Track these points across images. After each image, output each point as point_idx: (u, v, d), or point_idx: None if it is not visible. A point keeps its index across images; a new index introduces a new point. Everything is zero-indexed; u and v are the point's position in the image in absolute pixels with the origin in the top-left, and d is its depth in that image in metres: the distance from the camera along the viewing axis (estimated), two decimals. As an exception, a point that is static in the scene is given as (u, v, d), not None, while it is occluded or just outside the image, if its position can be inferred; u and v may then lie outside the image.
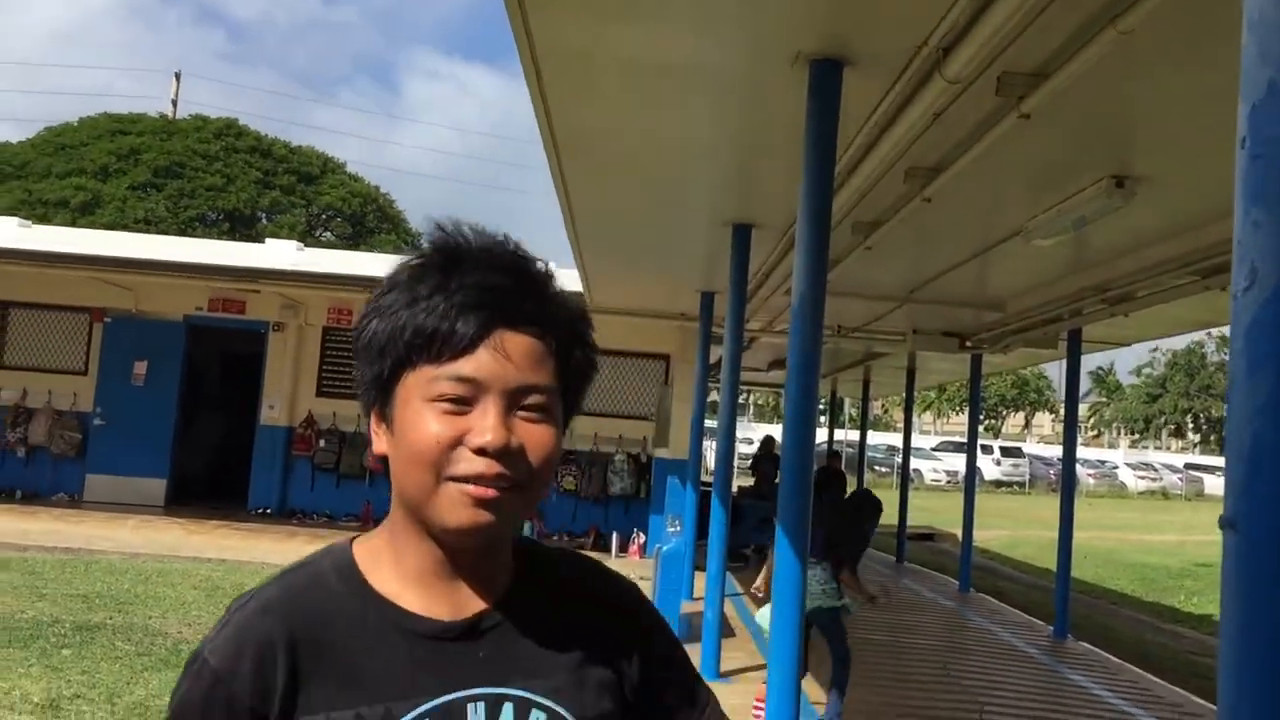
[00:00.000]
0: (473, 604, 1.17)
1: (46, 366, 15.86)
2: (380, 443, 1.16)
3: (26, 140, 44.03)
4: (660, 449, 14.85)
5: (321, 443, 15.63)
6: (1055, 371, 66.49)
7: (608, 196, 7.92)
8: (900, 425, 32.78)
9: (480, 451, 1.09)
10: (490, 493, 1.09)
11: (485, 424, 1.09)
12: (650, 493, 15.00)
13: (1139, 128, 5.65)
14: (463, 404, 1.10)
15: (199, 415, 16.61)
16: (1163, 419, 65.58)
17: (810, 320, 4.62)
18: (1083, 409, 69.79)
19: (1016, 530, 24.88)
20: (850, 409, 33.80)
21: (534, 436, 1.12)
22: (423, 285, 1.13)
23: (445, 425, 1.09)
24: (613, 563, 13.52)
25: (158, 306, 15.61)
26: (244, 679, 1.08)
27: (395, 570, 1.16)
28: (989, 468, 42.32)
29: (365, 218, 47.46)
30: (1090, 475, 43.88)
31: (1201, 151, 5.71)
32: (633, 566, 12.81)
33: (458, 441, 1.09)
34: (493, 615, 1.17)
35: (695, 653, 7.72)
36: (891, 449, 39.22)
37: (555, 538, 15.20)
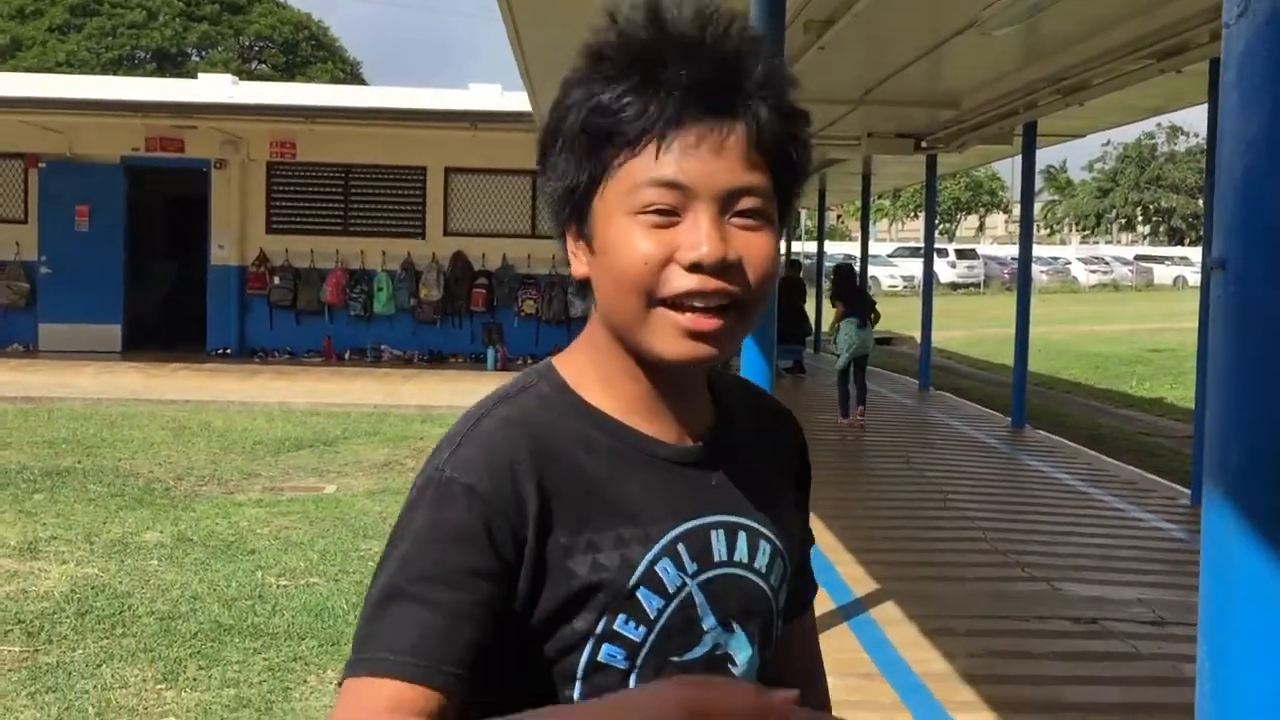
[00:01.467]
0: (693, 429, 1.09)
1: (-16, 216, 15.40)
2: (579, 264, 1.05)
3: (-66, -19, 41.73)
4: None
5: (276, 280, 15.44)
6: (1008, 171, 66.52)
7: (554, 5, 7.63)
8: (856, 235, 32.78)
9: (694, 267, 0.97)
10: (709, 323, 0.98)
11: (698, 235, 0.97)
12: (611, 312, 15.01)
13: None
14: (671, 215, 0.98)
15: (148, 259, 16.31)
16: (1114, 213, 66.14)
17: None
18: (1035, 208, 70.21)
19: (972, 330, 25.32)
20: (806, 220, 33.75)
21: (752, 246, 0.99)
22: (618, 77, 0.99)
23: (654, 241, 0.97)
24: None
25: (93, 149, 15.09)
26: (503, 496, 0.98)
27: (607, 394, 1.07)
28: (945, 271, 42.66)
29: (299, 46, 45.85)
30: (1043, 272, 44.42)
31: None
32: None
33: (669, 258, 0.97)
34: (718, 442, 1.10)
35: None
36: (849, 258, 39.42)
37: (519, 361, 15.29)
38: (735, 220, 0.99)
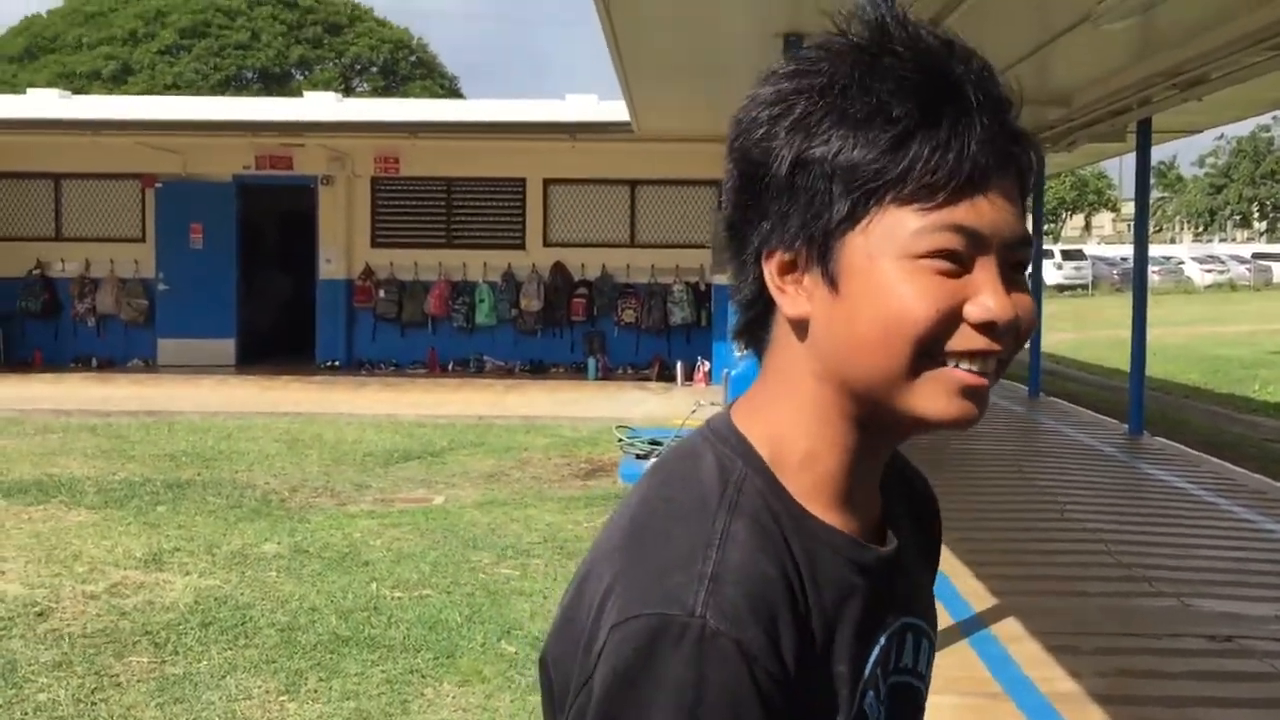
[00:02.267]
0: (875, 519, 0.98)
1: (105, 236, 15.96)
2: (799, 302, 0.91)
3: (55, 10, 43.57)
4: (718, 275, 14.73)
5: (381, 293, 15.72)
6: (1115, 169, 64.74)
7: (652, 10, 7.63)
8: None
9: (986, 326, 0.86)
10: (985, 381, 0.88)
11: (991, 290, 0.86)
12: (712, 320, 14.96)
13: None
14: (960, 262, 0.86)
15: (259, 274, 16.76)
16: (1227, 210, 63.92)
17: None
18: (1144, 206, 68.26)
19: (1082, 332, 24.66)
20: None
21: (1025, 304, 0.89)
22: (895, 86, 0.86)
23: (943, 292, 0.86)
24: (679, 391, 13.68)
25: (206, 168, 15.57)
26: (770, 653, 0.83)
27: (807, 471, 0.93)
28: (1050, 272, 41.59)
29: (398, 64, 46.75)
30: (1155, 272, 43.06)
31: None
32: (700, 393, 12.89)
33: (956, 312, 0.86)
34: (893, 531, 1.00)
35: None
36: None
37: (619, 370, 15.32)
38: (1011, 274, 0.89)
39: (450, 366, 15.69)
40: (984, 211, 0.86)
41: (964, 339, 0.87)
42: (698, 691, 0.80)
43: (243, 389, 13.65)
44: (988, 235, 0.86)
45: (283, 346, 16.37)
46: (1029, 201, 0.94)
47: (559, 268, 15.64)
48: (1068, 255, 44.90)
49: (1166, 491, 8.13)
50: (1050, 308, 28.39)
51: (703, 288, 15.27)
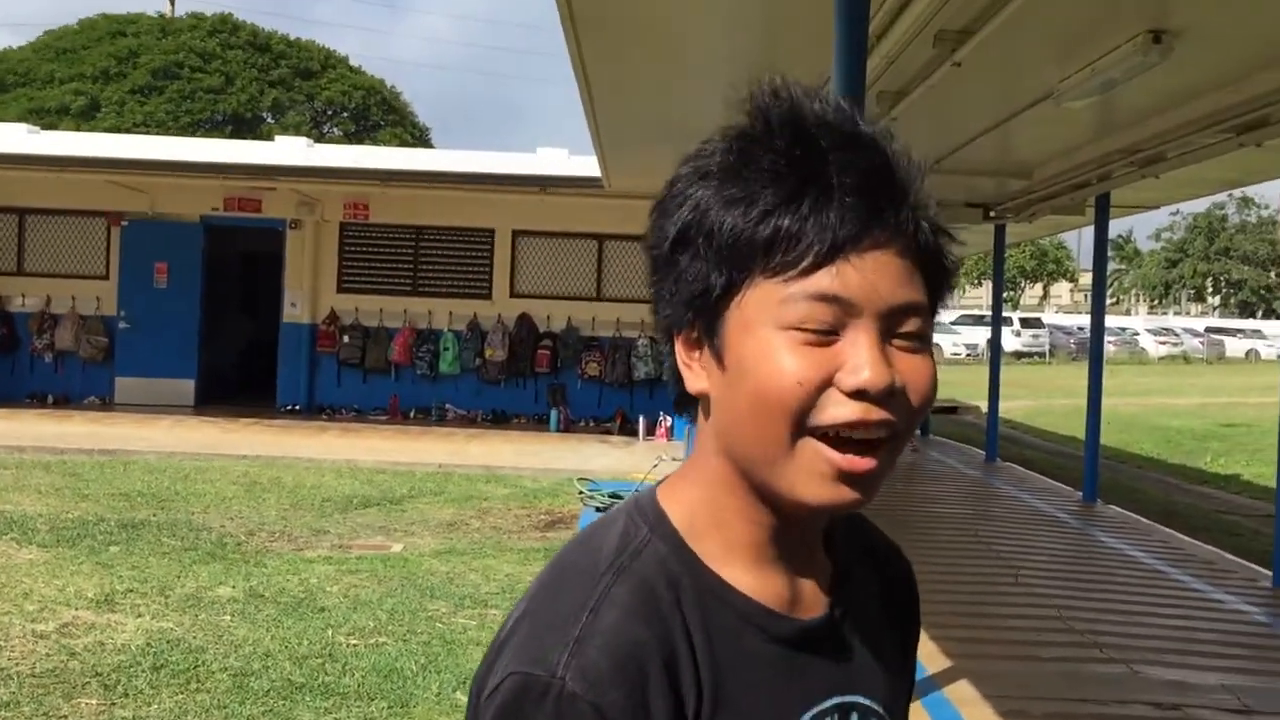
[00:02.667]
0: (811, 590, 0.97)
1: (67, 272, 15.87)
2: (698, 378, 0.93)
3: (28, 45, 43.47)
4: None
5: (345, 339, 15.70)
6: (1074, 240, 65.92)
7: (627, 73, 7.78)
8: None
9: (858, 394, 0.85)
10: (864, 464, 0.86)
11: (861, 358, 0.86)
12: (675, 375, 15.01)
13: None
14: (827, 333, 0.86)
15: (223, 315, 16.68)
16: (1182, 283, 65.16)
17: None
18: (1101, 277, 69.62)
19: (1038, 400, 24.96)
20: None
21: (915, 371, 0.88)
22: (766, 171, 0.88)
23: (809, 362, 0.86)
24: (641, 445, 13.71)
25: (174, 208, 15.55)
26: (632, 715, 0.84)
27: (720, 540, 0.93)
28: (1009, 339, 42.16)
29: (370, 111, 46.88)
30: (1111, 342, 43.80)
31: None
32: (662, 448, 12.93)
33: (826, 382, 0.86)
34: (838, 606, 0.98)
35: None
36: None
37: (582, 423, 15.34)
38: (897, 342, 0.88)
39: (412, 414, 15.65)
40: (850, 279, 0.86)
41: (834, 410, 0.86)
42: None
43: (201, 430, 13.53)
44: (858, 302, 0.86)
45: (244, 389, 16.27)
46: (942, 268, 0.94)
47: (525, 319, 15.70)
48: (1026, 323, 45.56)
49: (1118, 559, 8.24)
50: (1008, 374, 28.76)
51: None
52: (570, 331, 15.68)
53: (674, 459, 11.23)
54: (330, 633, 5.86)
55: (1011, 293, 65.70)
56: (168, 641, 5.61)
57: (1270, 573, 7.48)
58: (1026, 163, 10.70)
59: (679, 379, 0.96)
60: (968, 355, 38.87)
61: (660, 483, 1.00)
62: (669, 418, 14.71)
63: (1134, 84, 7.03)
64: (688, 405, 0.97)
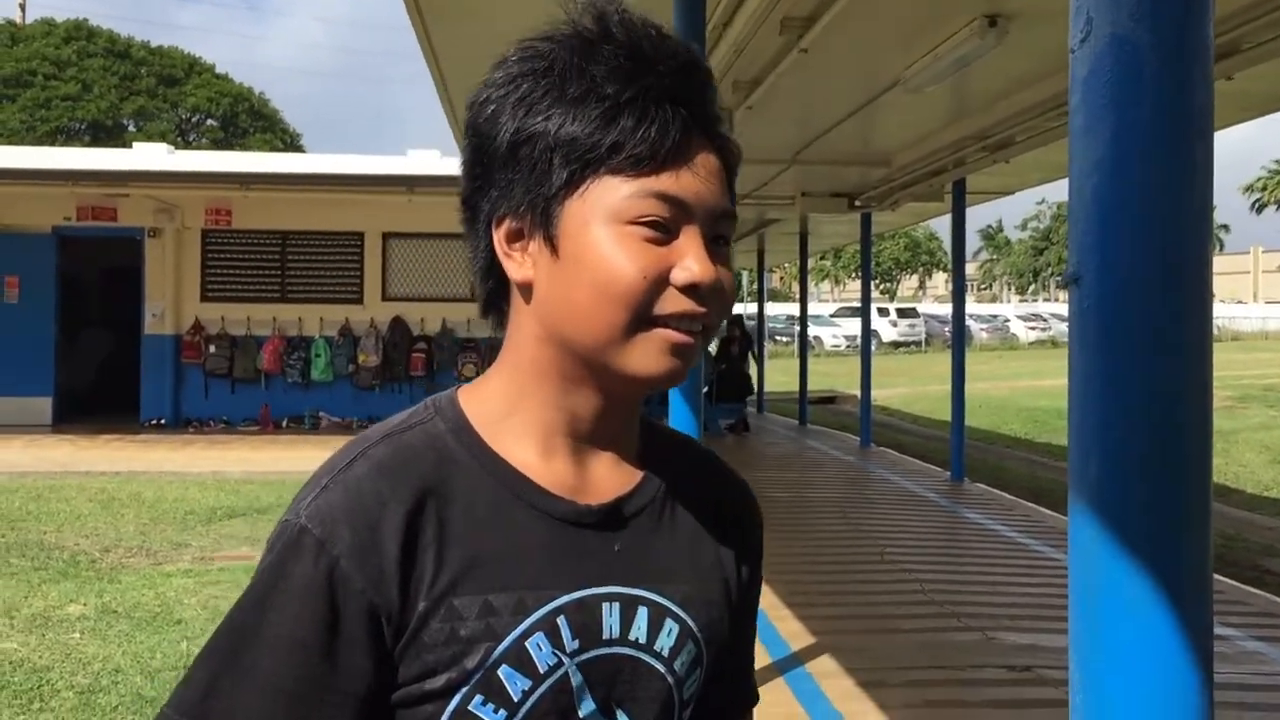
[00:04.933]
0: (608, 482, 1.00)
1: (-91, 289, 15.10)
2: (524, 267, 0.96)
3: None
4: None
5: (212, 348, 15.25)
6: (946, 232, 67.72)
7: (479, 59, 7.70)
8: (798, 296, 33.09)
9: (690, 289, 0.92)
10: (691, 340, 0.93)
11: (694, 256, 0.92)
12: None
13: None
14: (664, 230, 0.92)
15: (81, 329, 16.06)
16: (1049, 270, 67.52)
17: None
18: (972, 267, 71.70)
19: (914, 387, 25.58)
20: (748, 282, 34.08)
21: (727, 275, 0.96)
22: (609, 71, 0.93)
23: (651, 258, 0.91)
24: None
25: (23, 219, 14.90)
26: (357, 554, 0.88)
27: (518, 430, 0.98)
28: (886, 330, 43.23)
29: (238, 118, 45.77)
30: (983, 329, 45.14)
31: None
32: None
33: (663, 276, 0.92)
34: (632, 501, 1.00)
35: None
36: (791, 318, 39.80)
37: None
38: (713, 246, 0.95)
39: (285, 423, 15.28)
40: (687, 182, 0.92)
41: (671, 302, 0.92)
42: (274, 577, 0.89)
43: (58, 448, 13.00)
44: (692, 204, 0.93)
45: (105, 405, 15.67)
46: (736, 173, 1.00)
47: (398, 322, 15.47)
48: (903, 313, 46.66)
49: (981, 533, 8.47)
50: (885, 363, 29.41)
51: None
52: (446, 334, 15.51)
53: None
54: (185, 645, 5.67)
55: (889, 284, 67.28)
56: (11, 662, 5.36)
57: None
58: (885, 151, 10.94)
59: (486, 274, 1.00)
60: (847, 346, 39.59)
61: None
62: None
63: (980, 69, 7.23)
64: (497, 304, 1.01)
